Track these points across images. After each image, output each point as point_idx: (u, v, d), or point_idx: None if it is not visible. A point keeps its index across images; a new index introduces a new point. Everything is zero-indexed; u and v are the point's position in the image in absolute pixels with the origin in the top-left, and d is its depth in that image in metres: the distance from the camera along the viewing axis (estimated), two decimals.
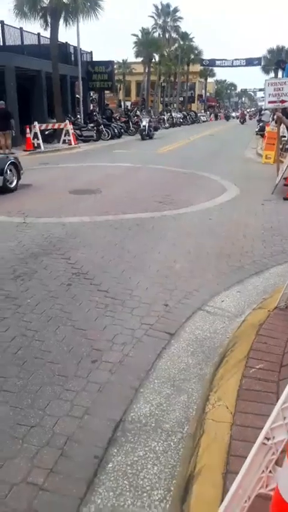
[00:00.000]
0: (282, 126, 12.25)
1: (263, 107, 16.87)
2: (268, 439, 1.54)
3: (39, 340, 3.33)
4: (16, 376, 2.90)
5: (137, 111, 33.85)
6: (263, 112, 27.26)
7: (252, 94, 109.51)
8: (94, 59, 29.51)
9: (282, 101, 9.67)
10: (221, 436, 2.19)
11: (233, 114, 78.39)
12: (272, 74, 52.50)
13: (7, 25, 19.88)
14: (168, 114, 40.20)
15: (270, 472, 1.55)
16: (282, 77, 23.09)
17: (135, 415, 2.54)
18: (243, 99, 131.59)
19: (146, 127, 23.83)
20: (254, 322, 3.44)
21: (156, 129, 26.82)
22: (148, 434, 2.39)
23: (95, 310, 3.82)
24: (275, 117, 11.94)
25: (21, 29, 20.80)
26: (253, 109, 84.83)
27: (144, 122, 24.32)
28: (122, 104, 49.09)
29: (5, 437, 2.35)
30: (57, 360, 3.08)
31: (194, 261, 5.15)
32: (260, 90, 74.76)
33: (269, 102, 9.92)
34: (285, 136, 13.49)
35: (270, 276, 4.73)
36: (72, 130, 20.24)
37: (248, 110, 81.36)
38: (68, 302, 3.97)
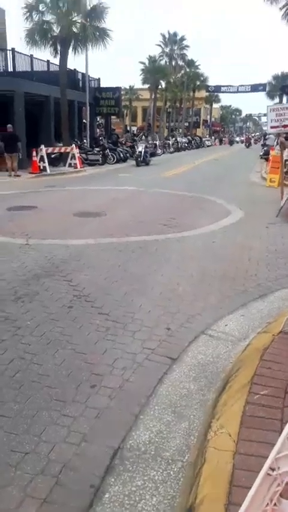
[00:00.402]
0: (287, 150, 12.34)
1: (267, 132, 17.08)
2: (273, 469, 1.46)
3: (37, 363, 3.27)
4: (13, 400, 2.83)
5: (143, 136, 34.39)
6: (267, 136, 27.57)
7: (257, 119, 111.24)
8: (102, 85, 30.14)
9: (285, 126, 9.78)
10: (223, 465, 2.10)
11: (237, 138, 78.78)
12: (277, 99, 53.35)
13: (18, 52, 20.40)
14: (174, 138, 40.77)
15: (275, 504, 1.47)
16: (287, 102, 23.46)
17: (134, 443, 2.45)
18: (248, 123, 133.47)
19: (142, 153, 22.75)
20: (258, 347, 3.36)
21: (153, 155, 25.55)
22: (147, 462, 2.30)
23: (95, 334, 3.76)
24: (279, 140, 12.06)
25: (31, 56, 21.33)
26: (258, 133, 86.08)
27: (140, 148, 23.20)
28: (129, 128, 49.96)
29: None
30: (55, 384, 3.01)
31: (197, 284, 5.10)
32: (265, 115, 75.60)
33: (272, 127, 10.04)
34: None
35: (275, 300, 4.66)
36: (78, 154, 20.51)
37: (253, 134, 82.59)
38: (68, 325, 3.92)
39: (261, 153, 24.57)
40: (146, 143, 25.54)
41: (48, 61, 22.69)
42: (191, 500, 1.94)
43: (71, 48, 21.37)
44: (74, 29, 20.84)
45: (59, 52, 21.18)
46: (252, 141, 59.14)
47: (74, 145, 20.63)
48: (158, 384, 3.03)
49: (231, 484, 1.95)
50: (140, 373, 3.17)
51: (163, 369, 3.23)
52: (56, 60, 21.77)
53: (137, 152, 23.01)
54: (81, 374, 3.14)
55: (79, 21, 20.84)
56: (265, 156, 21.42)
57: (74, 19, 20.88)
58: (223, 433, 2.32)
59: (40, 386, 2.98)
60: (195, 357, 3.44)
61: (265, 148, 24.07)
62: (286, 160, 14.14)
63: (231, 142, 64.24)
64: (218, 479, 1.99)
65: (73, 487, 2.15)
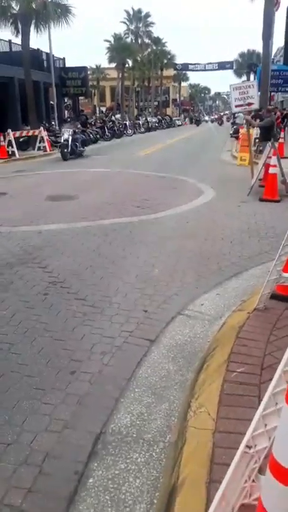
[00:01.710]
0: (255, 128, 12.40)
1: (231, 111, 17.09)
2: (250, 447, 1.50)
3: (15, 353, 3.23)
4: None
5: (112, 116, 33.88)
6: (236, 115, 27.62)
7: (226, 97, 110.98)
8: (67, 65, 29.42)
9: (249, 104, 9.79)
10: (203, 444, 2.14)
11: (206, 117, 72.26)
12: (245, 77, 53.42)
13: None
14: (144, 118, 40.37)
15: (253, 481, 1.51)
16: (255, 79, 23.46)
17: (115, 427, 2.47)
18: (217, 102, 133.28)
19: (69, 142, 16.75)
20: (234, 325, 3.42)
21: (84, 143, 18.69)
22: (129, 445, 2.33)
23: (72, 320, 3.74)
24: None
25: None
26: (227, 112, 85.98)
27: (66, 135, 16.88)
28: (97, 109, 49.09)
29: None
30: (34, 372, 2.99)
31: (172, 265, 5.12)
32: None
33: (236, 106, 10.03)
34: (258, 138, 13.64)
35: (249, 278, 4.73)
36: (47, 137, 20.06)
37: (227, 112, 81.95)
38: (45, 312, 3.88)
39: (231, 132, 24.63)
40: (74, 127, 18.08)
41: (10, 41, 21.96)
42: (173, 480, 1.98)
43: (32, 27, 20.69)
44: (34, 6, 20.10)
45: (20, 31, 20.47)
46: (224, 118, 58.90)
47: (42, 128, 20.14)
48: (137, 367, 3.05)
49: (212, 462, 1.99)
50: (119, 357, 3.18)
51: (142, 351, 3.25)
52: (18, 40, 21.06)
53: (62, 141, 17.08)
54: (60, 361, 3.13)
55: None
56: (235, 134, 21.47)
57: None
58: (202, 412, 2.37)
59: (19, 376, 2.95)
60: (173, 337, 3.48)
61: (234, 127, 24.12)
62: (255, 139, 14.24)
63: (197, 122, 57.63)
64: (199, 458, 2.03)
65: (57, 474, 2.15)
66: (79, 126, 19.70)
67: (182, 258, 5.34)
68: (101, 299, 4.15)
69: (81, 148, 17.87)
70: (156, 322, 3.72)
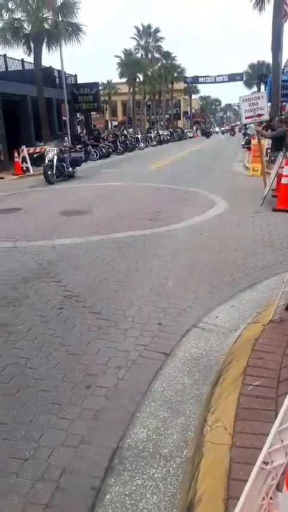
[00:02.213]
0: (266, 139, 12.40)
1: (242, 123, 17.10)
2: (266, 463, 1.48)
3: (31, 367, 3.26)
4: (9, 406, 2.82)
5: (124, 130, 34.27)
6: (248, 126, 27.68)
7: (237, 108, 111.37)
8: (79, 81, 29.92)
9: (259, 115, 9.81)
10: (220, 459, 2.12)
11: (217, 129, 69.38)
12: (255, 88, 53.59)
13: None
14: (156, 131, 40.73)
15: (271, 498, 1.49)
16: (265, 90, 23.52)
17: (132, 441, 2.47)
18: (228, 113, 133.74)
19: (54, 163, 14.58)
20: (249, 337, 3.40)
21: (75, 163, 16.05)
22: (146, 460, 2.32)
23: (87, 334, 3.76)
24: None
25: (4, 55, 21.09)
26: (238, 123, 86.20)
27: (50, 155, 14.86)
28: (109, 124, 49.70)
29: None
30: (50, 387, 3.00)
31: (186, 277, 5.12)
32: None
33: (246, 117, 10.06)
34: (270, 149, 13.65)
35: (264, 289, 4.70)
36: None
37: (238, 123, 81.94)
38: (60, 326, 3.91)
39: (243, 143, 24.67)
40: (61, 146, 15.94)
41: (22, 60, 22.46)
42: (190, 496, 1.97)
43: (44, 46, 21.18)
44: (46, 26, 20.61)
45: (32, 50, 20.95)
46: (236, 129, 58.97)
47: None
48: (152, 381, 3.05)
49: (229, 477, 1.98)
50: (134, 371, 3.18)
51: (157, 365, 3.24)
52: (31, 59, 21.55)
53: (46, 161, 14.88)
54: (75, 375, 3.14)
55: (50, 17, 20.60)
56: (247, 145, 21.51)
57: (44, 15, 20.64)
58: (219, 426, 2.35)
59: (35, 391, 2.97)
60: (187, 350, 3.47)
61: (246, 137, 24.16)
62: (267, 149, 14.25)
63: (207, 134, 55.25)
64: (216, 473, 2.02)
65: (74, 490, 2.16)
66: (66, 144, 16.86)
67: (196, 270, 5.34)
68: (115, 312, 4.17)
69: (70, 169, 15.45)
70: (171, 335, 3.71)
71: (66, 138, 24.03)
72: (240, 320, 3.96)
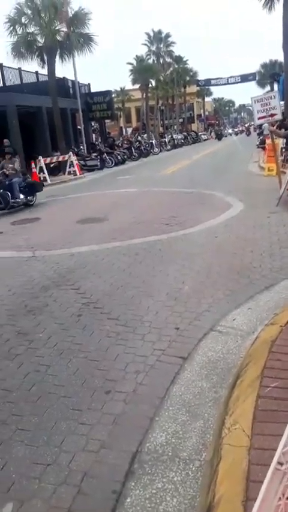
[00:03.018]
0: (281, 138, 12.30)
1: (254, 124, 16.99)
2: (281, 464, 1.50)
3: (52, 374, 3.33)
4: (31, 413, 2.89)
5: (138, 136, 34.47)
6: (263, 126, 27.50)
7: (251, 108, 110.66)
8: (92, 90, 30.28)
9: (272, 115, 9.75)
10: (238, 461, 2.13)
11: (230, 130, 66.61)
12: (268, 88, 53.19)
13: (6, 67, 20.61)
14: (170, 136, 40.83)
15: (287, 498, 1.50)
16: (278, 89, 23.35)
17: (151, 445, 2.50)
18: (242, 114, 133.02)
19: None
20: (267, 339, 3.39)
21: (32, 189, 12.46)
22: (165, 464, 2.35)
23: (106, 340, 3.82)
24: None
25: (19, 69, 21.54)
26: (253, 123, 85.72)
27: None
28: (124, 130, 50.04)
29: (21, 478, 2.33)
30: (70, 393, 3.06)
31: (203, 280, 5.13)
32: None
33: (259, 118, 10.02)
34: (285, 148, 13.55)
35: (281, 290, 4.67)
36: (76, 161, 20.65)
37: (252, 124, 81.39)
38: (79, 333, 3.98)
39: (258, 143, 24.51)
40: (7, 167, 12.02)
41: (36, 72, 22.90)
42: (209, 499, 1.99)
43: (57, 57, 21.55)
44: (58, 38, 20.98)
45: (46, 62, 21.34)
46: (251, 129, 58.65)
47: (71, 153, 20.76)
48: (170, 385, 3.08)
49: (248, 479, 1.99)
50: (153, 375, 3.22)
51: (175, 369, 3.27)
52: (45, 71, 21.94)
53: None
54: (95, 381, 3.20)
55: (62, 29, 20.97)
56: (261, 145, 21.37)
57: (57, 28, 21.01)
58: (237, 429, 2.36)
59: (56, 397, 3.04)
60: (205, 354, 3.48)
61: (261, 137, 24.01)
62: (282, 148, 14.13)
63: (219, 136, 52.00)
64: (235, 476, 2.03)
65: (95, 494, 2.20)
66: (17, 163, 12.43)
67: (212, 273, 5.35)
68: (133, 318, 4.21)
69: (21, 198, 11.89)
70: (189, 339, 3.73)
71: (81, 147, 24.34)
72: (257, 322, 3.96)
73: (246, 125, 75.36)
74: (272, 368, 2.90)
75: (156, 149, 32.42)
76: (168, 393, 2.98)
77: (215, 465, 2.20)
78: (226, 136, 57.61)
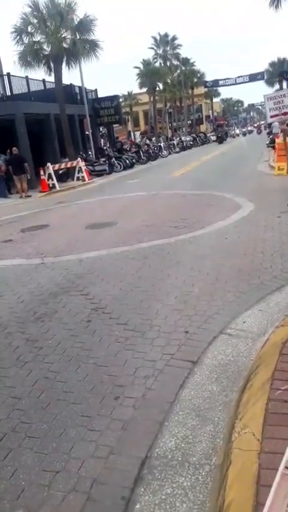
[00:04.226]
0: None
1: (267, 122, 16.88)
2: None
3: (61, 381, 3.33)
4: (40, 420, 2.89)
5: (146, 140, 34.54)
6: (272, 125, 27.31)
7: (260, 107, 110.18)
8: (99, 95, 30.43)
9: (285, 113, 9.67)
10: (249, 465, 2.10)
11: (237, 131, 62.20)
12: (277, 86, 52.93)
13: (13, 76, 20.84)
14: (178, 138, 40.81)
15: None
16: (287, 87, 23.18)
17: (160, 451, 2.48)
18: (251, 113, 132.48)
19: None
20: (277, 341, 3.35)
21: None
22: (175, 469, 2.33)
23: (115, 345, 3.81)
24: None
25: (26, 77, 21.73)
26: (262, 122, 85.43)
27: None
28: (132, 134, 50.18)
29: (30, 486, 2.33)
30: (79, 400, 3.06)
31: (212, 283, 5.09)
32: None
33: (271, 116, 9.95)
34: None
35: None
36: (85, 167, 20.74)
37: (262, 122, 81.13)
38: (88, 339, 3.98)
39: (268, 142, 24.34)
40: None
41: (43, 80, 23.10)
42: (219, 504, 1.96)
43: (64, 64, 21.69)
44: (65, 45, 21.14)
45: (52, 69, 21.52)
46: (262, 128, 58.42)
47: (79, 158, 20.87)
48: (180, 389, 3.05)
49: (258, 484, 1.96)
50: (162, 380, 3.20)
51: (184, 373, 3.25)
52: (52, 78, 22.13)
53: None
54: (104, 387, 3.19)
55: (68, 37, 21.12)
56: (271, 144, 21.21)
57: (63, 36, 21.18)
58: (247, 432, 2.33)
59: (65, 404, 3.03)
60: (215, 357, 3.45)
61: (271, 136, 23.84)
62: None
63: (220, 140, 44.11)
64: (245, 480, 2.00)
65: (105, 500, 2.19)
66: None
67: (222, 275, 5.31)
68: (142, 322, 4.20)
69: None
70: (198, 342, 3.70)
71: (90, 152, 24.43)
72: (268, 324, 3.91)
73: (256, 124, 75.08)
74: (283, 370, 2.85)
75: (165, 152, 32.43)
76: (177, 397, 2.96)
77: (225, 470, 2.17)
78: (234, 137, 55.05)
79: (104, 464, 2.42)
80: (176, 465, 2.36)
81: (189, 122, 59.63)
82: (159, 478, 2.28)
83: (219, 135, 46.06)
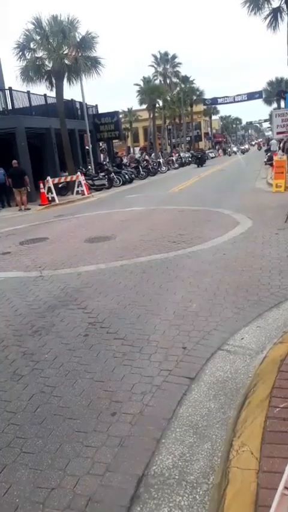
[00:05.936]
0: None
1: (271, 137, 17.07)
2: None
3: (57, 396, 3.29)
4: (35, 435, 2.85)
5: (146, 156, 34.85)
6: (270, 142, 27.61)
7: (258, 125, 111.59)
8: (100, 111, 30.79)
9: None
10: (247, 485, 2.07)
11: (234, 148, 60.08)
12: (275, 105, 53.71)
13: (15, 90, 21.07)
14: (177, 154, 41.21)
15: None
16: (285, 107, 23.52)
17: (157, 468, 2.44)
18: (249, 131, 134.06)
19: None
20: (276, 358, 3.33)
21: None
22: (172, 488, 2.29)
23: (112, 360, 3.78)
24: (281, 145, 12.08)
25: (28, 92, 21.96)
26: (260, 140, 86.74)
27: None
28: (131, 150, 50.65)
29: (25, 503, 2.29)
30: (76, 415, 3.02)
31: (211, 298, 5.09)
32: (266, 120, 76.19)
33: (278, 132, 10.06)
34: None
35: None
36: (84, 181, 20.86)
37: (260, 140, 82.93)
38: (85, 354, 3.95)
39: (265, 159, 24.58)
40: None
41: (45, 95, 23.33)
42: None
43: (65, 80, 21.95)
44: (66, 61, 21.43)
45: (54, 85, 21.79)
46: (261, 144, 59.77)
47: (79, 173, 21.01)
48: (177, 406, 3.02)
49: (256, 504, 1.93)
50: (159, 396, 3.17)
51: (182, 390, 3.22)
52: (53, 93, 22.38)
53: None
54: (101, 403, 3.15)
55: (70, 53, 21.42)
56: (269, 162, 21.43)
57: (65, 52, 21.48)
58: (245, 451, 2.30)
59: (61, 419, 3.00)
60: (213, 374, 3.42)
61: (269, 154, 24.09)
62: None
63: (199, 161, 36.59)
64: (243, 500, 1.97)
65: None
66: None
67: (220, 291, 5.30)
68: (139, 338, 4.18)
69: None
70: (196, 359, 3.68)
71: (89, 167, 24.59)
72: (266, 340, 3.90)
73: (256, 141, 76.88)
74: (281, 388, 2.84)
75: (164, 168, 32.70)
76: (175, 414, 2.93)
77: (223, 489, 2.14)
78: (231, 155, 52.49)
79: (100, 482, 2.39)
80: (173, 483, 2.32)
81: (188, 138, 60.28)
82: (156, 497, 2.24)
83: (199, 155, 37.86)
